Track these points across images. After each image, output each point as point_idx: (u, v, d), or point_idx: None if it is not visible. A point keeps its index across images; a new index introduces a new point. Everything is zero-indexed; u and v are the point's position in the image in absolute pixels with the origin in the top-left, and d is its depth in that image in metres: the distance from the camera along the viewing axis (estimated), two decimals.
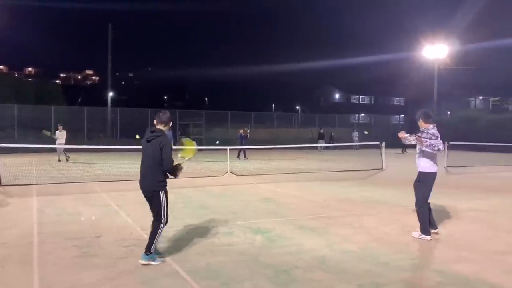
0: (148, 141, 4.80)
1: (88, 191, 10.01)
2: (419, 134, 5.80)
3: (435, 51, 36.40)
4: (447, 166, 15.72)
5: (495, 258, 5.01)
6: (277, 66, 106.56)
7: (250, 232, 6.20)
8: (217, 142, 22.12)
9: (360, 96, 64.52)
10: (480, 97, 47.76)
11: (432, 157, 5.80)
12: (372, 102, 63.81)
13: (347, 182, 12.31)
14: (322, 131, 30.69)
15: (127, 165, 16.04)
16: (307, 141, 33.30)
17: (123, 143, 24.53)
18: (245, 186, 11.31)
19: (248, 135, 22.46)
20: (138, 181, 4.89)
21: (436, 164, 5.87)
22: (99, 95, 50.11)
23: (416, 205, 5.87)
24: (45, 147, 20.18)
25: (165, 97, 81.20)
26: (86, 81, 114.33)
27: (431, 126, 5.84)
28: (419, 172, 5.91)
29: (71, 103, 40.92)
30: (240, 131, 22.27)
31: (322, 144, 28.04)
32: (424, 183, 5.83)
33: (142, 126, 31.83)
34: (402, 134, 5.86)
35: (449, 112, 40.45)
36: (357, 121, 51.70)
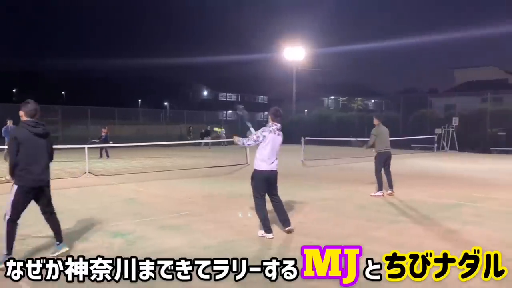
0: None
1: None
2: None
3: (294, 53, 39.30)
4: (304, 160, 17.10)
5: (339, 242, 5.56)
6: (144, 60, 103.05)
7: (108, 235, 5.85)
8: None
9: (228, 94, 66.25)
10: (332, 97, 53.13)
11: (259, 154, 5.76)
12: (239, 100, 66.03)
13: (213, 178, 12.50)
14: (209, 128, 31.55)
15: None
16: (176, 138, 32.95)
17: None
18: (105, 186, 10.66)
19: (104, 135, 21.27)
20: None
21: (266, 162, 5.73)
22: None
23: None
24: None
25: (14, 90, 71.88)
26: None
27: (270, 123, 5.89)
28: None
29: None
30: (103, 130, 20.96)
31: (209, 140, 28.86)
32: (253, 179, 5.89)
33: None
34: (236, 138, 5.89)
35: (306, 110, 44.04)
36: (225, 118, 52.99)
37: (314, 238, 5.72)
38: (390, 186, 9.28)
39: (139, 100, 67.34)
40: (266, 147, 5.71)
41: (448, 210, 7.78)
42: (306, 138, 18.59)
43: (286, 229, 5.94)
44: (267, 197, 5.95)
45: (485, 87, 31.35)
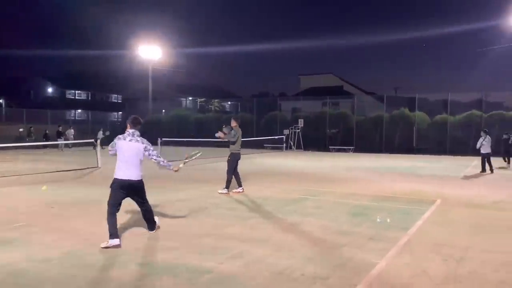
0: None
1: None
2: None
3: (150, 51, 38.32)
4: None
5: (193, 242, 5.62)
6: None
7: None
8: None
9: (77, 91, 61.04)
10: (190, 98, 53.26)
11: (116, 162, 5.65)
12: (90, 98, 61.45)
13: (58, 183, 11.39)
14: (60, 129, 28.77)
15: None
16: (13, 140, 29.22)
17: None
18: None
19: None
20: None
21: (120, 170, 5.62)
22: None
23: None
24: None
25: None
26: None
27: (131, 131, 5.68)
28: None
29: None
30: None
31: (63, 141, 26.69)
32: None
33: None
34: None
35: (164, 111, 43.29)
36: (73, 118, 48.85)
37: (169, 241, 5.66)
38: (240, 184, 9.74)
39: None
40: (118, 155, 5.64)
41: (294, 204, 8.50)
42: (164, 139, 18.30)
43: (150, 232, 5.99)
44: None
45: (325, 92, 35.14)
